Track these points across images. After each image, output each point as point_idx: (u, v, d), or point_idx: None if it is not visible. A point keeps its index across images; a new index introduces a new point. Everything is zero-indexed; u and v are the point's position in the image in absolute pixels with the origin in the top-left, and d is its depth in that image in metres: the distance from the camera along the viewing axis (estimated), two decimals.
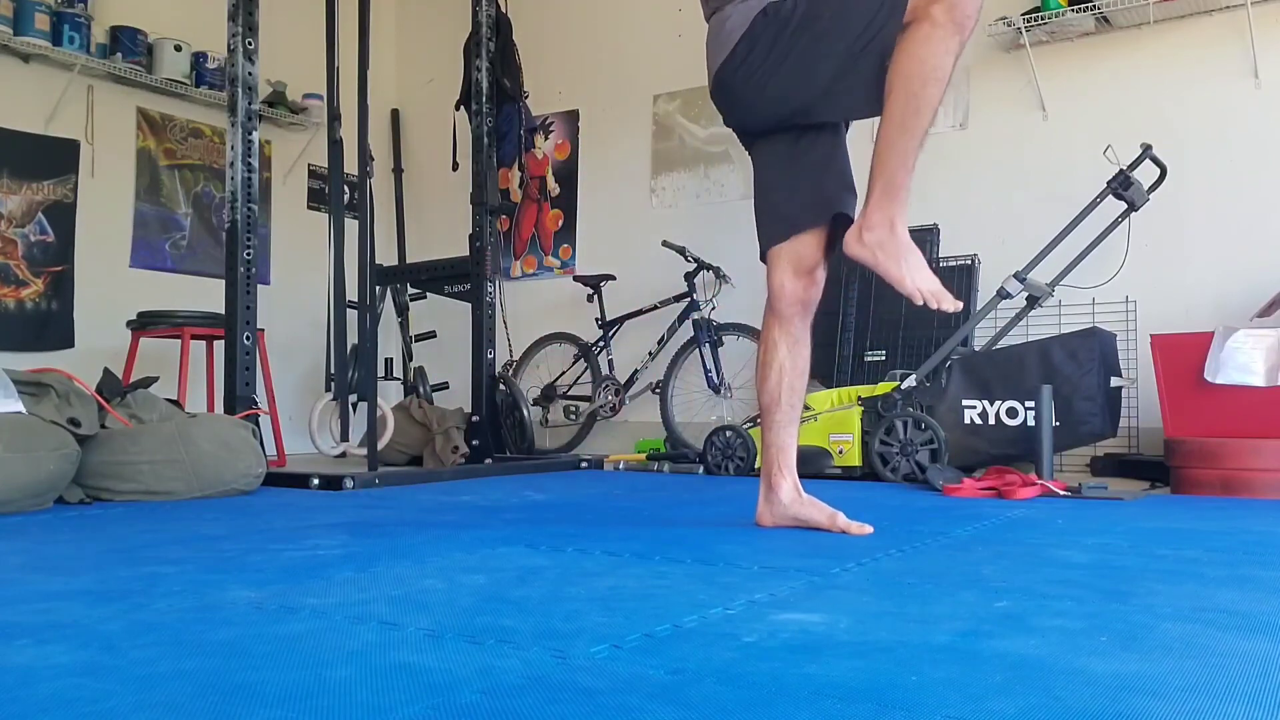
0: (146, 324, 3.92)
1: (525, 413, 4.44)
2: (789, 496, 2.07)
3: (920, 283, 1.78)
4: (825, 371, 4.00)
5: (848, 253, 1.83)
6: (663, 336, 4.59)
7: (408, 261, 5.34)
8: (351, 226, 4.17)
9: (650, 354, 4.64)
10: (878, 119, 1.88)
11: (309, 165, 5.29)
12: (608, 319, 4.73)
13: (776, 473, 2.08)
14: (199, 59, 4.65)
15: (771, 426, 2.09)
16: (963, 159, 4.20)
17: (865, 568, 1.62)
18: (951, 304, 1.77)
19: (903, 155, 1.81)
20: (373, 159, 4.06)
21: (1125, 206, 3.35)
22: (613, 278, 4.80)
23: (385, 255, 5.39)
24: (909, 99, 1.77)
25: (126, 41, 4.37)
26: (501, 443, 4.26)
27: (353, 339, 3.95)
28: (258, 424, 3.30)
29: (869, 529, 2.01)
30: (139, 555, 1.78)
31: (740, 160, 4.48)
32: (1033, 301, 3.39)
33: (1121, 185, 3.32)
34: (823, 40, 1.85)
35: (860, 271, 4.09)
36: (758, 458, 3.73)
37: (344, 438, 3.94)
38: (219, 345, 3.94)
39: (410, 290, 4.75)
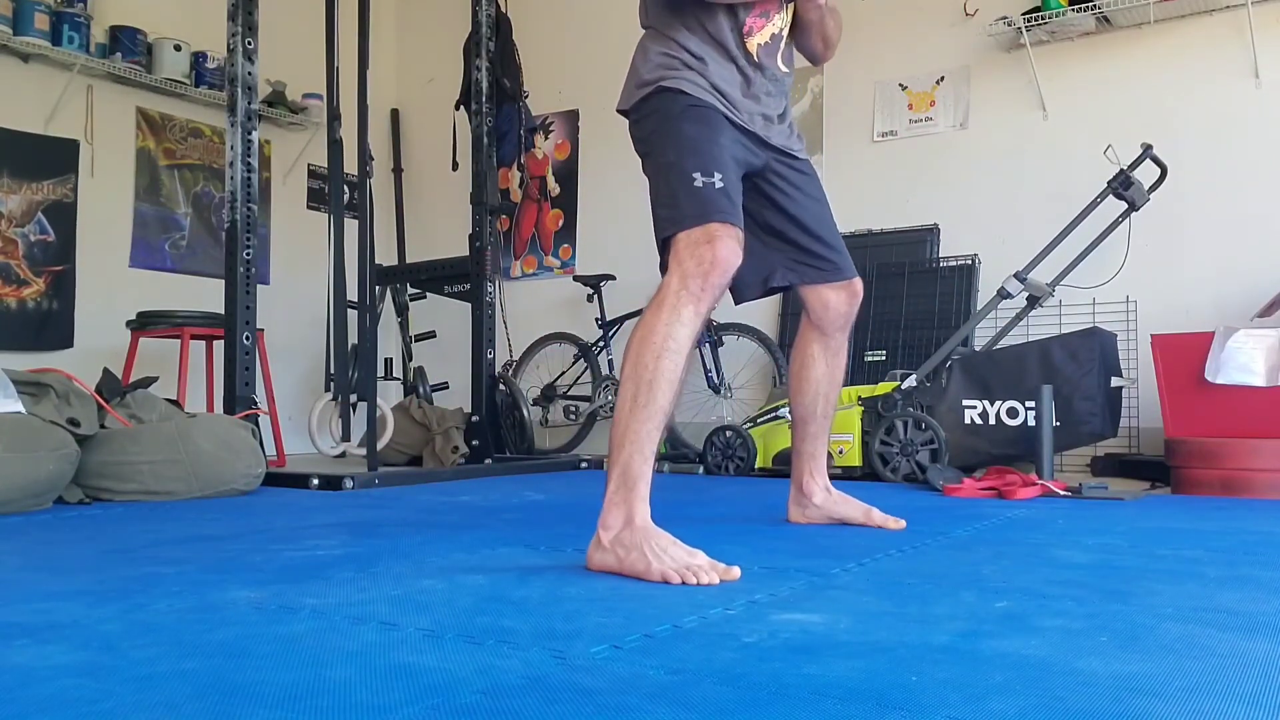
0: (146, 324, 3.91)
1: (525, 413, 4.44)
2: (822, 498, 2.18)
3: (669, 566, 1.47)
4: None
5: (590, 568, 1.58)
6: None
7: (408, 261, 5.34)
8: (351, 226, 4.17)
9: None
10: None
11: (309, 165, 5.28)
12: (608, 319, 4.72)
13: (809, 478, 2.19)
14: (199, 59, 4.65)
15: (806, 438, 2.18)
16: (963, 159, 4.20)
17: (865, 568, 1.62)
18: (722, 573, 1.47)
19: (637, 439, 1.58)
20: (373, 159, 4.06)
21: (1125, 206, 3.35)
22: (613, 278, 4.80)
23: (385, 255, 5.38)
24: (641, 371, 1.59)
25: (126, 41, 4.37)
26: (501, 443, 4.26)
27: (353, 339, 3.95)
28: (257, 424, 3.30)
29: (903, 523, 2.11)
30: (139, 555, 1.78)
31: None
32: (1033, 301, 3.39)
33: (1122, 185, 3.32)
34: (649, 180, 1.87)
35: (860, 271, 4.09)
36: (758, 458, 3.74)
37: (344, 438, 3.94)
38: (219, 345, 3.93)
39: (410, 290, 4.75)
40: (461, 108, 4.79)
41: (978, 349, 3.58)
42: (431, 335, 4.80)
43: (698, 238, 1.66)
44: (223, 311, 3.60)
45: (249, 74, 3.60)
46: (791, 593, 1.40)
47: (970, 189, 4.17)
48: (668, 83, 1.85)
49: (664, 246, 1.75)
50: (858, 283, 2.11)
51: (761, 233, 2.02)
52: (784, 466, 3.53)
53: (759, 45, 1.91)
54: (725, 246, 1.66)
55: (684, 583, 1.44)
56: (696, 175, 1.74)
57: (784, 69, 1.98)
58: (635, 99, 1.91)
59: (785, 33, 2.00)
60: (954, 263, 4.03)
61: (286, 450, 4.11)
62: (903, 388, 3.41)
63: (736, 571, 1.48)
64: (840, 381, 2.18)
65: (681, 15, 1.87)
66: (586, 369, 4.78)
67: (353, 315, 3.86)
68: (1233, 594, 1.42)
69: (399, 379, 4.90)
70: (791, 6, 2.01)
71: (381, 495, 2.97)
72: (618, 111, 1.98)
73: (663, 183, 1.79)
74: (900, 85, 4.36)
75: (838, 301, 2.09)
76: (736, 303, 2.13)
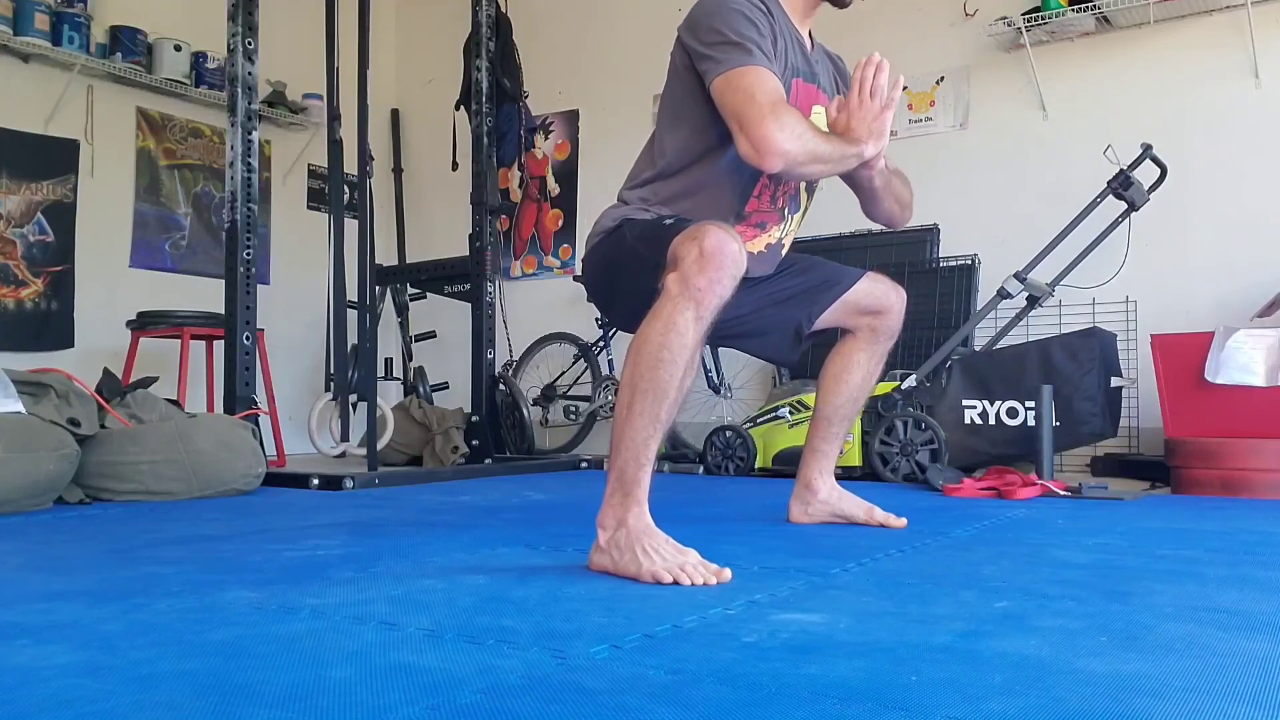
0: (146, 324, 3.91)
1: (525, 413, 4.44)
2: (827, 494, 2.19)
3: (659, 565, 1.46)
4: None
5: (591, 569, 1.57)
6: None
7: (408, 261, 5.34)
8: (351, 226, 4.17)
9: None
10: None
11: (309, 165, 5.28)
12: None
13: (817, 475, 2.20)
14: (199, 59, 4.65)
15: (826, 437, 2.18)
16: (963, 159, 4.20)
17: (865, 568, 1.62)
18: (713, 575, 1.46)
19: (633, 446, 1.54)
20: (373, 159, 4.06)
21: (1125, 206, 3.35)
22: None
23: (385, 255, 5.39)
24: (636, 380, 1.54)
25: (126, 41, 4.37)
26: (501, 443, 4.25)
27: (353, 339, 3.95)
28: (257, 424, 3.30)
29: (904, 521, 2.12)
30: (139, 555, 1.78)
31: None
32: (1033, 301, 3.39)
33: (1122, 185, 3.32)
34: (617, 292, 1.88)
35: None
36: (758, 458, 3.73)
37: (344, 438, 3.94)
38: (219, 345, 3.93)
39: (410, 290, 4.75)
40: (461, 108, 4.79)
41: (978, 349, 3.58)
42: (431, 335, 4.80)
43: (684, 240, 1.57)
44: (223, 311, 3.60)
45: (249, 74, 3.60)
46: (791, 593, 1.40)
47: (970, 189, 4.16)
48: (631, 216, 1.85)
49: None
50: (891, 297, 2.10)
51: (765, 304, 2.03)
52: (784, 466, 3.53)
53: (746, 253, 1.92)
54: (713, 236, 1.53)
55: (675, 582, 1.44)
56: (668, 220, 1.72)
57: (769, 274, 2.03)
58: (591, 244, 1.92)
59: (787, 240, 2.02)
60: (954, 263, 4.02)
61: (286, 450, 4.12)
62: (903, 388, 3.41)
63: (728, 573, 1.47)
64: (872, 389, 2.19)
65: (669, 204, 1.85)
66: (586, 369, 4.78)
67: (353, 315, 3.85)
68: (1233, 594, 1.42)
69: (399, 379, 4.91)
70: (797, 218, 2.02)
71: (381, 495, 2.97)
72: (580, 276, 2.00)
73: (640, 253, 1.74)
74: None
75: (890, 301, 2.08)
76: (789, 367, 2.15)
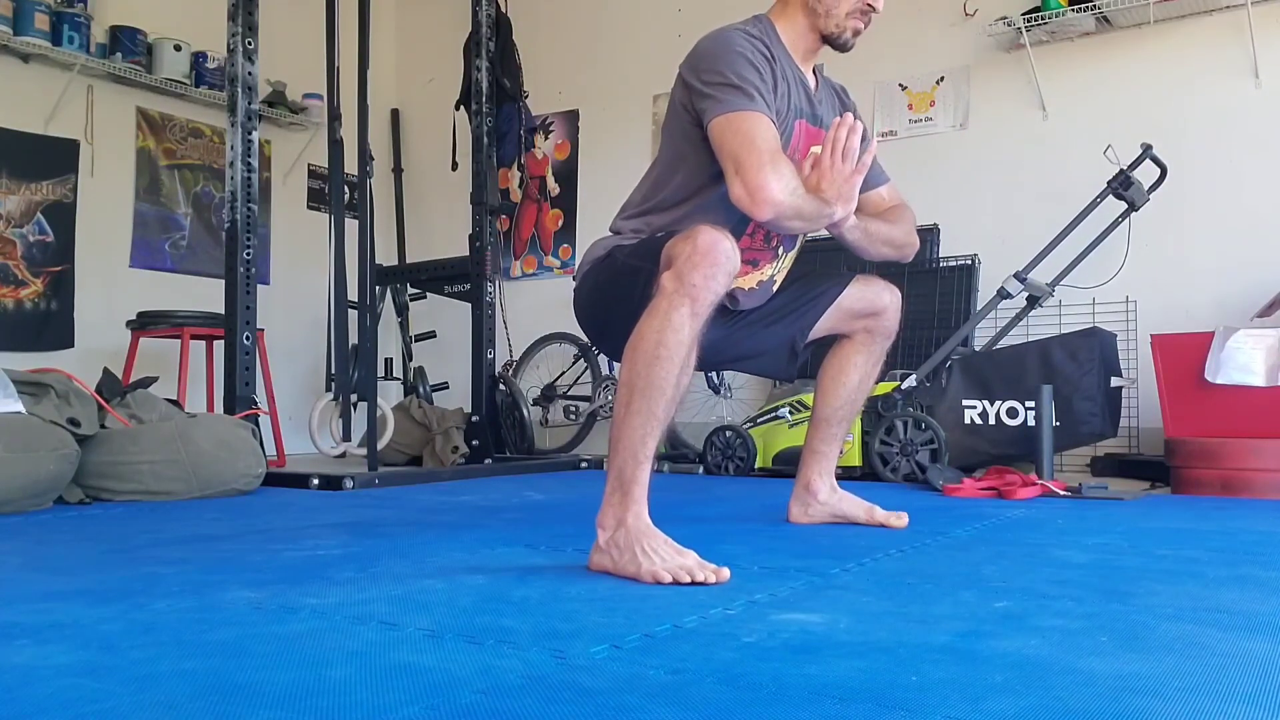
0: (146, 324, 3.91)
1: (525, 413, 4.44)
2: (827, 495, 2.19)
3: (659, 565, 1.46)
4: None
5: (591, 569, 1.57)
6: None
7: (408, 261, 5.34)
8: (351, 226, 4.17)
9: None
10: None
11: (309, 165, 5.28)
12: None
13: (817, 476, 2.20)
14: (199, 59, 4.65)
15: (825, 438, 2.18)
16: (963, 159, 4.20)
17: (865, 568, 1.62)
18: (712, 574, 1.46)
19: (630, 444, 1.53)
20: (373, 159, 4.06)
21: (1125, 206, 3.35)
22: None
23: (385, 255, 5.39)
24: (633, 378, 1.53)
25: (126, 41, 4.37)
26: (501, 443, 4.25)
27: (353, 339, 3.95)
28: (257, 424, 3.30)
29: (904, 520, 2.12)
30: (139, 555, 1.78)
31: None
32: (1033, 301, 3.39)
33: (1122, 185, 3.32)
34: (611, 315, 1.86)
35: (860, 271, 4.09)
36: (758, 458, 3.73)
37: (344, 438, 3.94)
38: (219, 345, 3.94)
39: (410, 290, 4.75)
40: (461, 108, 4.79)
41: (978, 349, 3.58)
42: (431, 335, 4.80)
43: (678, 240, 1.58)
44: (223, 311, 3.60)
45: (249, 74, 3.60)
46: (791, 593, 1.40)
47: (970, 189, 4.17)
48: (623, 243, 1.87)
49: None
50: (885, 296, 2.09)
51: (757, 326, 2.04)
52: (784, 466, 3.53)
53: (736, 288, 1.91)
54: (707, 234, 1.53)
55: (675, 582, 1.44)
56: (660, 235, 1.73)
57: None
58: (582, 272, 1.94)
59: (779, 276, 2.03)
60: (954, 263, 4.02)
61: (286, 450, 4.11)
62: (903, 388, 3.41)
63: (726, 573, 1.47)
64: (870, 390, 2.19)
65: (662, 233, 1.86)
66: (586, 369, 4.78)
67: (353, 315, 3.85)
68: (1233, 594, 1.42)
69: (399, 379, 4.90)
70: (791, 255, 2.02)
71: (381, 495, 2.97)
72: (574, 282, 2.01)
73: (634, 266, 1.75)
74: (900, 85, 4.36)
75: (884, 301, 2.07)
76: (788, 380, 2.15)
